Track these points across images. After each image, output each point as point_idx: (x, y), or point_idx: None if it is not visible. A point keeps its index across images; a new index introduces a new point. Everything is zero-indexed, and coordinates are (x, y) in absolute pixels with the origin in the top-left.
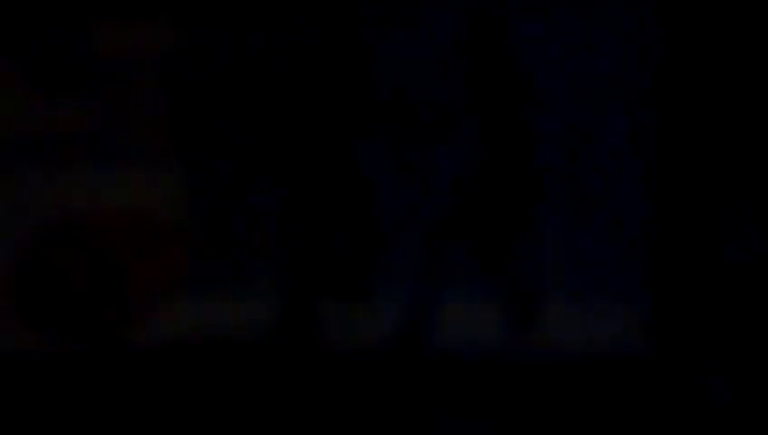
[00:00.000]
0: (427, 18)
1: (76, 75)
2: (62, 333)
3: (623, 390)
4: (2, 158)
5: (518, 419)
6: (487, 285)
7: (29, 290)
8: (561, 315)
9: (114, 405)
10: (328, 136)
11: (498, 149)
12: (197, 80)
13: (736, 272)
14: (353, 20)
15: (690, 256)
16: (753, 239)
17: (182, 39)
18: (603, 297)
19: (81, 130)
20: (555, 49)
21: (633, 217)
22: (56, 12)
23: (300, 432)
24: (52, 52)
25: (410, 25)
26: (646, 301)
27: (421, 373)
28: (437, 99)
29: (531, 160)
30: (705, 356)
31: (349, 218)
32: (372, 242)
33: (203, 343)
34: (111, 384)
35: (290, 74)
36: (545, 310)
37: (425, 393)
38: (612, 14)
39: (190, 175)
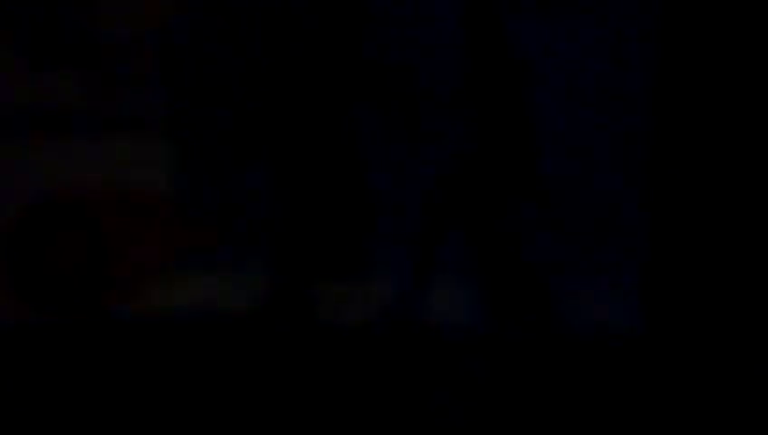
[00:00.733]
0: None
1: (72, 47)
2: (53, 305)
3: (616, 369)
4: None
5: (508, 397)
6: (478, 267)
7: (20, 263)
8: (557, 295)
9: (103, 379)
10: (323, 113)
11: (494, 131)
12: (193, 53)
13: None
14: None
15: (689, 236)
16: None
17: (179, 10)
18: (597, 277)
19: (76, 102)
20: (551, 39)
21: (630, 195)
22: None
23: (291, 408)
24: (49, 22)
25: (411, 4)
26: (641, 281)
27: (411, 351)
28: (435, 80)
29: (527, 143)
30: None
31: (341, 196)
32: (365, 220)
33: (194, 318)
34: (101, 358)
35: (287, 51)
36: (540, 291)
37: (415, 371)
38: (610, 5)
39: (183, 149)
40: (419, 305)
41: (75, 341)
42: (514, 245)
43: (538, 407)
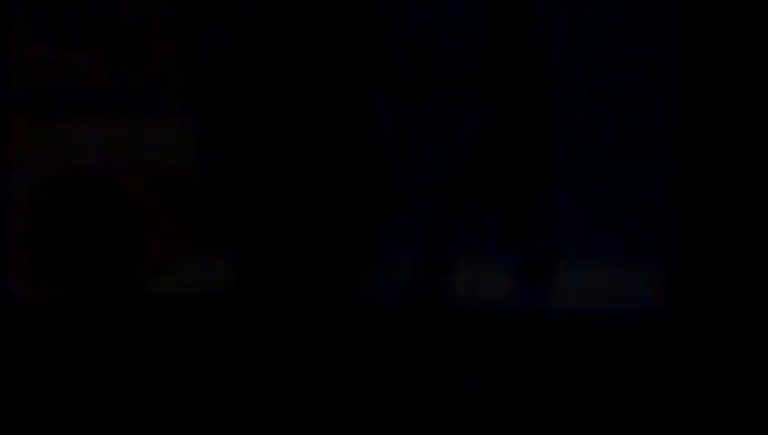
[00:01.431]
0: None
1: (93, 27)
2: (75, 286)
3: (637, 353)
4: (18, 111)
5: (528, 378)
6: (502, 245)
7: (43, 243)
8: (577, 276)
9: (127, 358)
10: (341, 91)
11: (516, 107)
12: (214, 34)
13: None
14: None
15: (719, 220)
16: None
17: None
18: (621, 259)
19: (99, 83)
20: (572, 12)
21: (656, 178)
22: None
23: (309, 387)
24: (69, 3)
25: None
26: (667, 263)
27: (433, 330)
28: (456, 56)
29: (548, 118)
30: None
31: (362, 175)
32: (386, 198)
33: (215, 298)
34: (123, 338)
35: (305, 31)
36: (560, 270)
37: (436, 350)
38: None
39: (207, 130)
40: (442, 283)
41: (100, 320)
42: (534, 227)
43: (558, 390)
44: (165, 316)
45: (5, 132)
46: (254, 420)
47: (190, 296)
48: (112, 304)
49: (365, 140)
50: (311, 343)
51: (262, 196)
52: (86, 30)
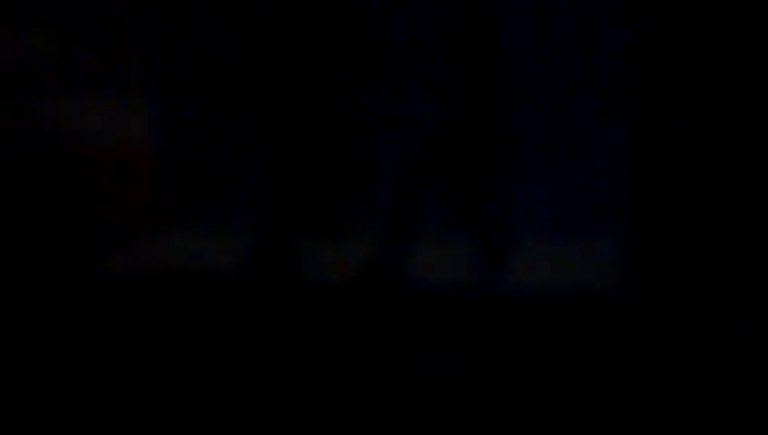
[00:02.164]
0: None
1: (53, 5)
2: (36, 263)
3: (597, 328)
4: None
5: (490, 355)
6: (461, 225)
7: (5, 218)
8: (536, 254)
9: (87, 335)
10: (306, 73)
11: (476, 91)
12: (179, 7)
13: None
14: None
15: (675, 197)
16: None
17: None
18: (580, 236)
19: (60, 57)
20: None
21: (614, 157)
22: None
23: (274, 368)
24: None
25: None
26: (625, 240)
27: (393, 311)
28: (416, 41)
29: (508, 100)
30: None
31: (325, 155)
32: (348, 180)
33: (178, 276)
34: (86, 314)
35: (272, 12)
36: (519, 249)
37: (397, 330)
38: None
39: (170, 106)
40: (403, 264)
41: (60, 299)
42: (495, 204)
43: (519, 366)
44: (123, 296)
45: None
46: (205, 400)
47: (149, 275)
48: (70, 282)
49: (328, 123)
50: (265, 324)
51: (223, 172)
52: (45, 7)
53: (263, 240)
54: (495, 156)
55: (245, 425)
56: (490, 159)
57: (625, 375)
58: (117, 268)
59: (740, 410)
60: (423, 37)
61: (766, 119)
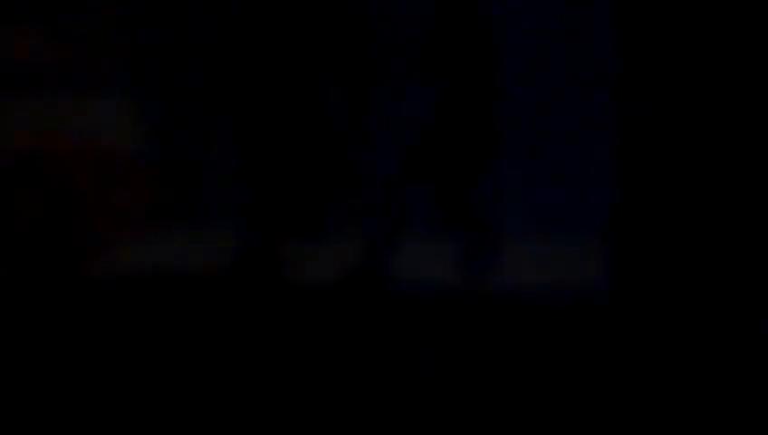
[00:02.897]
0: None
1: (37, 2)
2: (18, 265)
3: (581, 326)
4: None
5: (475, 353)
6: (446, 224)
7: None
8: (520, 255)
9: (70, 338)
10: (291, 73)
11: (460, 90)
12: (161, 10)
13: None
14: None
15: (657, 198)
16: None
17: None
18: (564, 236)
19: (42, 58)
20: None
21: (598, 159)
22: None
23: (255, 367)
24: None
25: None
26: (609, 239)
27: (378, 310)
28: (403, 42)
29: (492, 101)
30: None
31: (310, 156)
32: (334, 180)
33: (161, 277)
34: (69, 317)
35: (255, 10)
36: (504, 249)
37: (381, 330)
38: None
39: (155, 108)
40: (388, 264)
41: (43, 300)
42: (480, 204)
43: (505, 365)
44: (107, 298)
45: None
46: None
47: (133, 277)
48: (53, 285)
49: (313, 123)
50: (250, 325)
51: (212, 169)
52: (29, 8)
53: (247, 241)
54: (481, 156)
55: (231, 425)
56: (475, 159)
57: (611, 374)
58: (102, 269)
59: (729, 411)
60: (410, 37)
61: (753, 118)
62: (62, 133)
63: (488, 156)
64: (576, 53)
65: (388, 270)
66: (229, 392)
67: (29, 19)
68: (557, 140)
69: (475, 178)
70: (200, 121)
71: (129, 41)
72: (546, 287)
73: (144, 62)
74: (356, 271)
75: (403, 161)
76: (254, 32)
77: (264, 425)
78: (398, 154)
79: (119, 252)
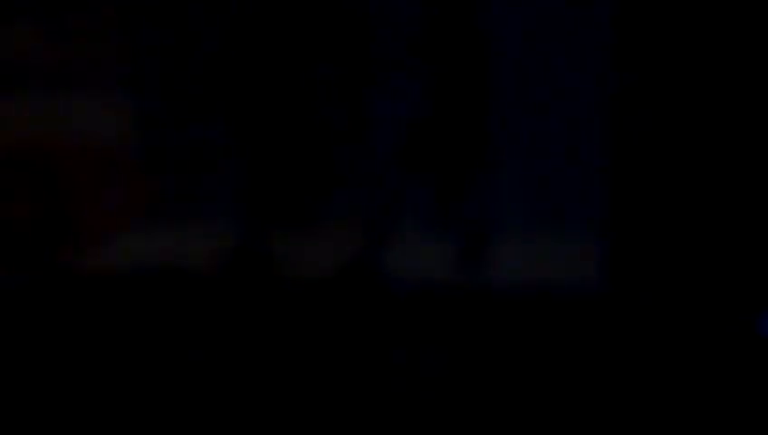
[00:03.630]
0: None
1: (28, 4)
2: (12, 261)
3: (578, 324)
4: None
5: (471, 353)
6: (440, 219)
7: None
8: (516, 251)
9: (63, 335)
10: (283, 67)
11: (453, 84)
12: (160, 8)
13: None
14: None
15: (655, 196)
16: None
17: None
18: (560, 230)
19: (40, 57)
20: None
21: (596, 156)
22: None
23: (252, 364)
24: None
25: None
26: (606, 234)
27: (374, 308)
28: (395, 34)
29: (488, 99)
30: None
31: (305, 152)
32: (330, 177)
33: (156, 273)
34: (61, 314)
35: (246, 9)
36: (500, 245)
37: (377, 325)
38: None
39: (146, 104)
40: (385, 261)
41: (34, 297)
42: (474, 200)
43: (501, 363)
44: (104, 295)
45: None
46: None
47: (131, 274)
48: (45, 280)
49: (311, 120)
50: (244, 321)
51: (205, 164)
52: (26, 7)
53: (244, 237)
54: (478, 153)
55: (226, 422)
56: (472, 156)
57: (609, 371)
58: (95, 266)
59: (726, 410)
60: (402, 34)
61: (752, 118)
62: (59, 131)
63: (485, 153)
64: (574, 50)
65: (385, 267)
66: (227, 389)
67: (26, 18)
68: (554, 138)
69: (472, 175)
70: (198, 119)
71: (127, 39)
72: (543, 284)
73: (142, 59)
74: (353, 268)
75: (399, 159)
76: (252, 29)
77: (262, 422)
78: (395, 151)
79: (116, 249)
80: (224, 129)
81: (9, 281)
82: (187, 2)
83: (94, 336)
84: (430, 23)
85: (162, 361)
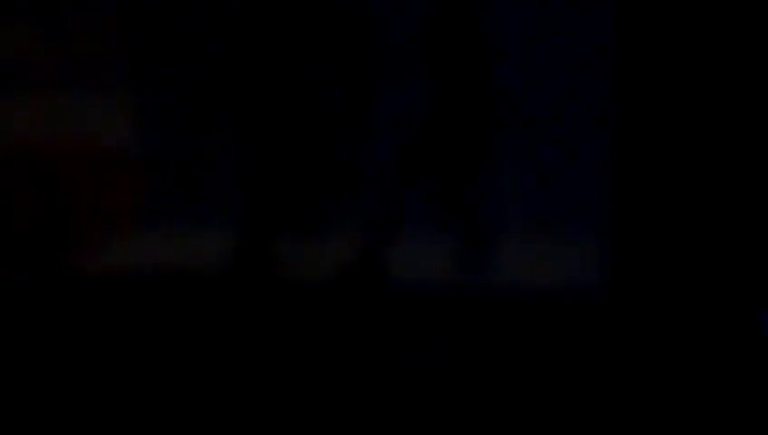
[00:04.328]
0: None
1: (28, 3)
2: (13, 261)
3: (580, 328)
4: None
5: (473, 354)
6: (443, 223)
7: None
8: (518, 252)
9: (65, 336)
10: (286, 70)
11: (457, 89)
12: (154, 9)
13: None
14: None
15: (656, 197)
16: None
17: None
18: (562, 233)
19: (36, 55)
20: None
21: (597, 157)
22: None
23: (254, 366)
24: None
25: None
26: (607, 237)
27: (376, 309)
28: (397, 37)
29: (489, 100)
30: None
31: (308, 154)
32: (331, 178)
33: (157, 275)
34: (63, 316)
35: (248, 8)
36: (501, 247)
37: (380, 329)
38: None
39: (147, 104)
40: (386, 262)
41: (36, 299)
42: (477, 201)
43: (504, 364)
44: (103, 297)
45: None
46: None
47: (131, 276)
48: (50, 284)
49: (311, 120)
50: (248, 324)
51: (204, 171)
52: (26, 6)
53: (246, 240)
54: (478, 154)
55: (229, 424)
56: (473, 158)
57: (609, 373)
58: (97, 268)
59: (727, 411)
60: (405, 34)
61: (746, 117)
62: (59, 132)
63: (486, 155)
64: (575, 51)
65: (386, 269)
66: (228, 392)
67: (26, 18)
68: (555, 139)
69: (472, 176)
70: (199, 120)
71: (129, 40)
72: (544, 286)
73: (142, 60)
74: (354, 270)
75: (401, 160)
76: (252, 29)
77: (264, 424)
78: (397, 152)
79: (116, 251)
80: (226, 130)
81: (10, 282)
82: (189, 2)
83: (95, 337)
84: (431, 24)
85: (165, 362)
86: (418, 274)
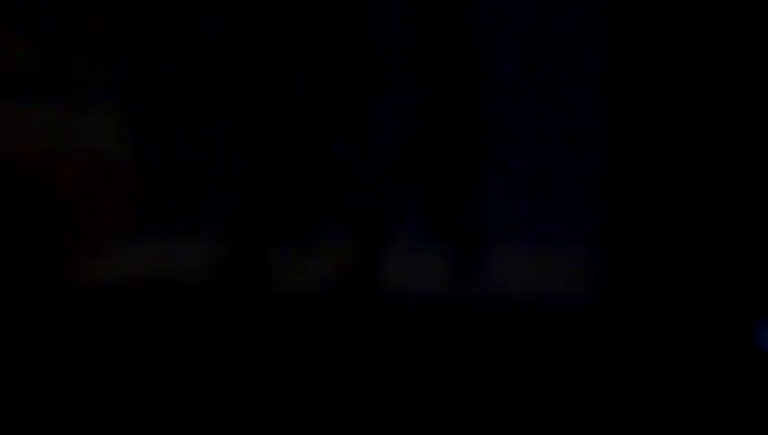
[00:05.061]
0: None
1: (20, 11)
2: (4, 274)
3: (575, 339)
4: None
5: (466, 362)
6: (434, 230)
7: None
8: (512, 263)
9: (58, 348)
10: (279, 76)
11: (448, 94)
12: (146, 15)
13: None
14: None
15: (652, 203)
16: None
17: None
18: (556, 242)
19: (26, 68)
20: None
21: (592, 163)
22: None
23: (246, 375)
24: None
25: None
26: (603, 246)
27: (368, 318)
28: (388, 43)
29: (482, 106)
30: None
31: (298, 161)
32: (322, 185)
33: (150, 285)
34: (55, 328)
35: (240, 15)
36: (494, 257)
37: (371, 338)
38: None
39: (139, 115)
40: (379, 271)
41: (28, 311)
42: (470, 209)
43: (491, 375)
44: (96, 307)
45: None
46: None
47: (126, 285)
48: (44, 293)
49: (305, 127)
50: (240, 332)
51: (201, 178)
52: (16, 14)
53: (240, 248)
54: (472, 162)
55: (224, 433)
56: (466, 165)
57: (605, 380)
58: (93, 277)
59: (723, 419)
60: (398, 40)
61: (745, 121)
62: (48, 143)
63: (480, 162)
64: (568, 57)
65: (379, 277)
66: (221, 401)
67: (20, 26)
68: (550, 146)
69: (466, 184)
70: (194, 128)
71: (122, 47)
72: (539, 293)
73: (137, 68)
74: (350, 279)
75: (393, 168)
76: (248, 37)
77: (259, 433)
78: (389, 160)
79: (111, 260)
80: (220, 137)
81: (5, 294)
82: (186, 5)
83: (90, 349)
84: (424, 28)
85: (158, 373)
86: (413, 282)
